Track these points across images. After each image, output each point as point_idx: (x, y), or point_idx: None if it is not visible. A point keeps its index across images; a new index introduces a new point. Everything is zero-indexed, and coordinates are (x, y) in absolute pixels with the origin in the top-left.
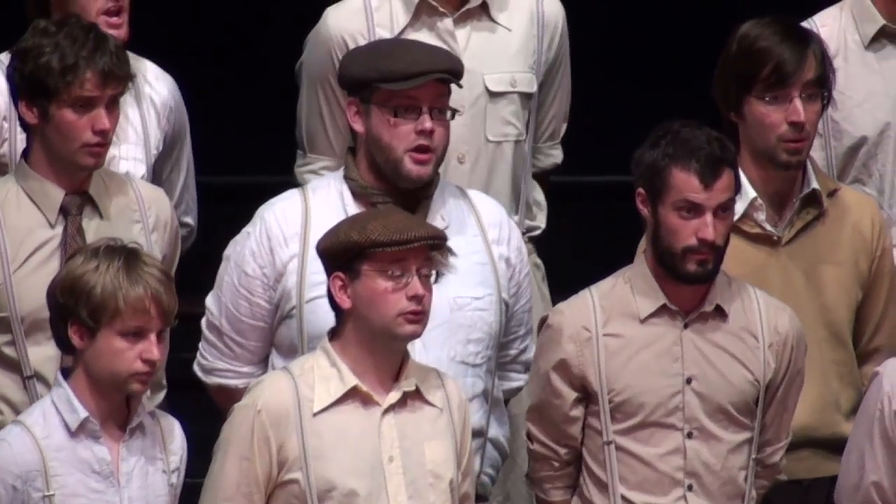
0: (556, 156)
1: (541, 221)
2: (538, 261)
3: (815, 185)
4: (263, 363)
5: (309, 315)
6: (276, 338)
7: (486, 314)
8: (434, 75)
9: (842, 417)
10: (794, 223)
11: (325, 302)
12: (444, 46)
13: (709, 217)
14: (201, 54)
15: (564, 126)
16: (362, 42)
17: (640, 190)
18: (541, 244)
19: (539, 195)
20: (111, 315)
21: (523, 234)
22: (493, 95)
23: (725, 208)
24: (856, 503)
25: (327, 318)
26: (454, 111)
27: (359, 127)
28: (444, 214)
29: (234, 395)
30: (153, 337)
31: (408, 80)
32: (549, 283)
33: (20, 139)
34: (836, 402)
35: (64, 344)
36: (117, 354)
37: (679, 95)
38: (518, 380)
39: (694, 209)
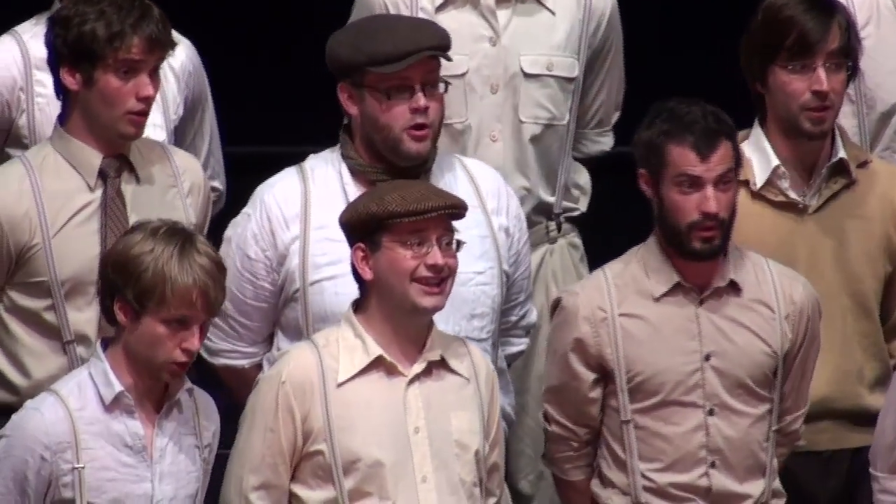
0: (604, 143)
1: (582, 205)
2: (576, 240)
3: (842, 154)
4: (267, 342)
5: (313, 297)
6: (281, 319)
7: (488, 288)
8: (423, 53)
9: (865, 389)
10: (821, 192)
11: (329, 284)
12: (485, 24)
13: (709, 190)
14: (226, 23)
15: (617, 114)
16: (405, 11)
17: (642, 171)
18: (586, 219)
19: (582, 178)
20: (157, 302)
21: (559, 214)
22: (528, 77)
23: (726, 180)
24: (889, 463)
25: (332, 301)
26: (446, 83)
27: (352, 110)
28: (444, 187)
29: (241, 374)
30: (196, 329)
31: (397, 63)
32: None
33: (37, 110)
34: (858, 374)
35: (109, 315)
36: (158, 341)
37: (722, 67)
38: (519, 344)
39: (694, 183)
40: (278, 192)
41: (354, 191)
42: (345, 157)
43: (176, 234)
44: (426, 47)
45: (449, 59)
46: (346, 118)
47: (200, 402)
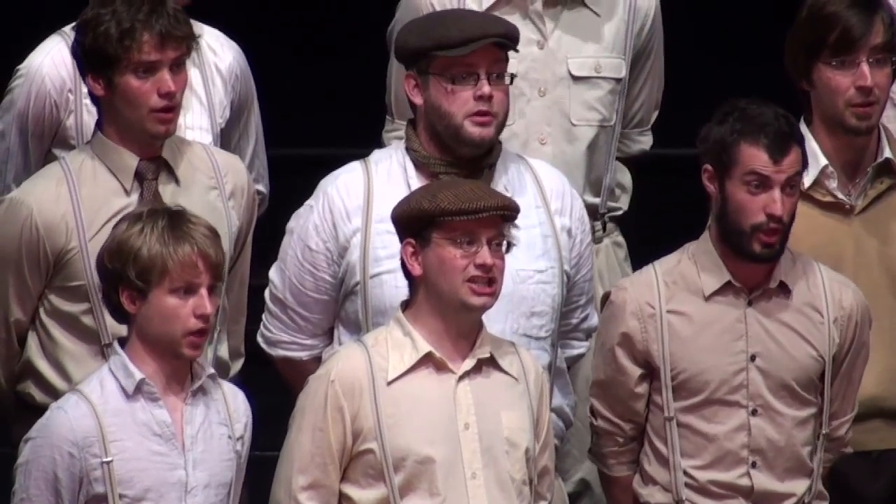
0: (644, 142)
1: (623, 203)
2: (620, 239)
3: (888, 154)
4: (328, 335)
5: (373, 290)
6: (341, 312)
7: (549, 287)
8: (489, 39)
9: None
10: (867, 192)
11: (389, 277)
12: (533, 28)
13: (777, 192)
14: (271, 26)
15: (655, 113)
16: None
17: (707, 166)
18: (628, 220)
19: (624, 178)
20: (160, 273)
21: (604, 214)
22: (577, 80)
23: (793, 185)
24: None
25: (391, 294)
26: (512, 76)
27: (417, 99)
28: (508, 185)
29: (299, 366)
30: (204, 291)
31: (464, 46)
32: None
33: (85, 111)
34: None
35: (118, 312)
36: (171, 313)
37: (759, 70)
38: (579, 347)
39: (763, 184)
40: (341, 185)
41: (418, 184)
42: (409, 149)
43: (159, 212)
44: (493, 34)
45: (517, 52)
46: (412, 112)
47: (228, 391)
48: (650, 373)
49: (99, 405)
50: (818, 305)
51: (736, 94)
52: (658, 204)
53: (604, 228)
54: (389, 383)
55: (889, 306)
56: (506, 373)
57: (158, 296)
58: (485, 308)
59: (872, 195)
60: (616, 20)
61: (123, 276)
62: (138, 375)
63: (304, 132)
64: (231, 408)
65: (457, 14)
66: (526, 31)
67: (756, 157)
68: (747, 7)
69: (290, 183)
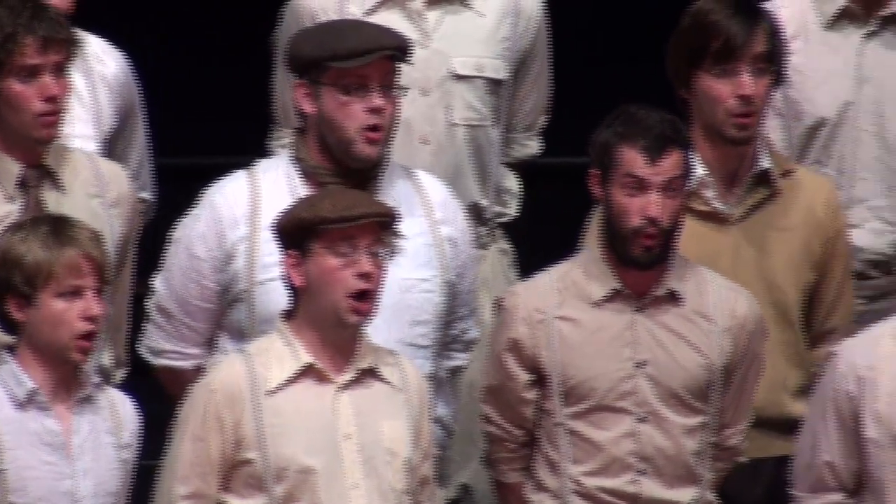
0: (532, 147)
1: (511, 209)
2: (506, 246)
3: (765, 164)
4: (210, 345)
5: (260, 297)
6: (225, 320)
7: (432, 296)
8: (383, 52)
9: (789, 397)
10: (744, 201)
11: (276, 284)
12: (413, 27)
13: (654, 195)
14: (155, 32)
15: (543, 118)
16: (333, 16)
17: (594, 170)
18: (518, 228)
19: (511, 183)
20: (46, 278)
21: (490, 219)
22: (460, 79)
23: (674, 188)
24: (808, 483)
25: (279, 301)
26: (404, 88)
27: (308, 108)
28: (393, 195)
29: (181, 376)
30: (90, 294)
31: (357, 58)
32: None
33: None
34: (782, 382)
35: (5, 323)
36: (58, 317)
37: (642, 75)
38: (459, 359)
39: (640, 186)
40: (228, 193)
41: (304, 193)
42: (296, 158)
43: (42, 219)
44: (388, 46)
45: (411, 64)
46: (301, 120)
47: (115, 399)
48: (539, 379)
49: None
50: (708, 313)
51: (626, 101)
52: (546, 212)
53: (491, 235)
54: (270, 393)
55: (766, 316)
56: (387, 383)
57: (45, 301)
58: (360, 325)
59: (750, 204)
60: (498, 21)
61: (10, 284)
62: (29, 384)
63: (189, 141)
64: (119, 415)
65: (351, 25)
66: (406, 31)
67: (633, 158)
68: (640, 13)
69: (175, 192)
